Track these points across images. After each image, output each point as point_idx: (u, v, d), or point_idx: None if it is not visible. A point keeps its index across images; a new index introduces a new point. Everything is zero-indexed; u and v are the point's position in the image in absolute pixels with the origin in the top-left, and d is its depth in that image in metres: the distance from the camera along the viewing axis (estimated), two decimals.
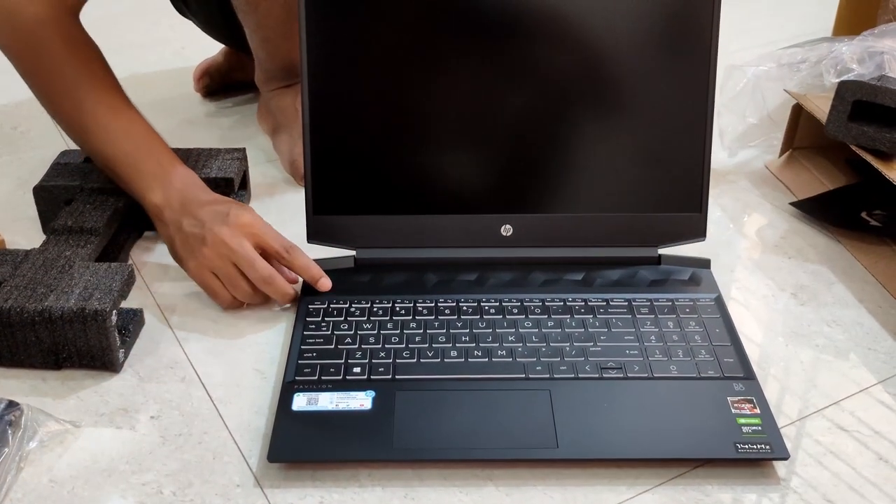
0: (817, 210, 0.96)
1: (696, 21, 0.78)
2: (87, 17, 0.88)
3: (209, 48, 1.27)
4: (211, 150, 0.96)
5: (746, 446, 0.64)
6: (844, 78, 0.91)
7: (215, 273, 0.79)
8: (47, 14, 0.83)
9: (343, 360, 0.72)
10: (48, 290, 0.73)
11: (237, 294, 0.79)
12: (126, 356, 0.76)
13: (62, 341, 0.73)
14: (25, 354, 0.73)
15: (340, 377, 0.70)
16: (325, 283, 0.79)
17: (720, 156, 1.05)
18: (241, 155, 0.96)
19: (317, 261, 0.82)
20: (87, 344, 0.72)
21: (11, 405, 0.67)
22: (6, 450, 0.64)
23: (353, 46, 0.78)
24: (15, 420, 0.66)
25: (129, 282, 0.75)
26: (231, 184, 0.92)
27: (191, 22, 1.23)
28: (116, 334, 0.73)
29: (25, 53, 0.85)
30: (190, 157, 0.94)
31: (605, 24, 0.78)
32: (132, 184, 0.84)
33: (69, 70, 0.83)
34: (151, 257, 0.90)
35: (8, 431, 0.65)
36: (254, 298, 0.80)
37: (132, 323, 0.78)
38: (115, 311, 0.72)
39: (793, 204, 0.98)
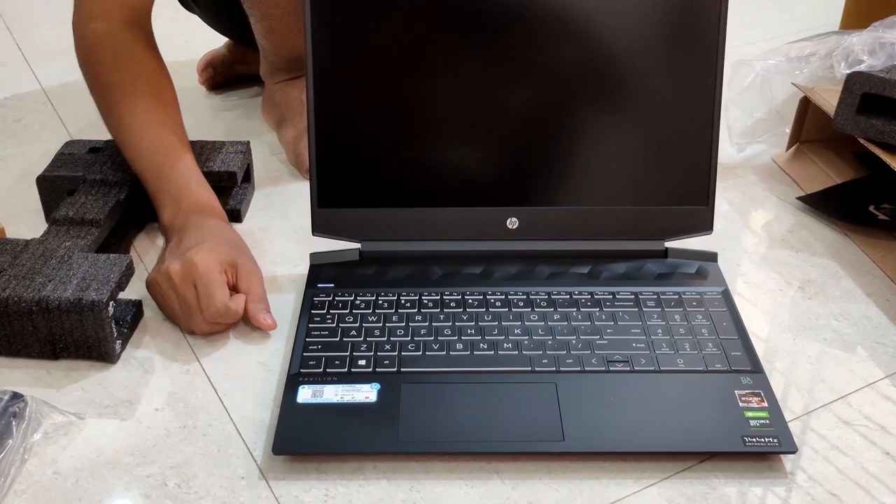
0: (824, 204, 0.95)
1: (704, 13, 0.77)
2: None
3: (212, 42, 1.27)
4: (215, 143, 0.96)
5: (754, 440, 0.64)
6: (855, 69, 0.91)
7: (162, 295, 0.77)
8: (103, 30, 0.88)
9: (348, 353, 0.71)
10: (46, 279, 0.73)
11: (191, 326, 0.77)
12: (123, 347, 0.75)
13: (59, 331, 0.72)
14: (22, 344, 0.73)
15: (345, 370, 0.70)
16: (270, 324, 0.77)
17: (728, 150, 1.05)
18: (244, 148, 0.95)
19: (322, 253, 0.82)
20: (83, 334, 0.72)
21: (16, 397, 0.67)
22: (10, 441, 0.64)
23: (358, 40, 0.78)
24: (19, 412, 0.66)
25: (127, 273, 0.75)
26: (234, 177, 0.92)
27: (194, 15, 1.23)
28: (113, 325, 0.73)
29: (88, 69, 0.89)
30: (193, 151, 0.94)
31: (612, 17, 0.77)
32: (153, 201, 0.86)
33: (115, 86, 0.87)
34: (155, 249, 0.90)
35: (12, 423, 0.65)
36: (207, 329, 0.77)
37: (130, 314, 0.78)
38: (111, 303, 0.72)
39: (799, 198, 0.97)
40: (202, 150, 0.94)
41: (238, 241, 0.82)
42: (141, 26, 0.91)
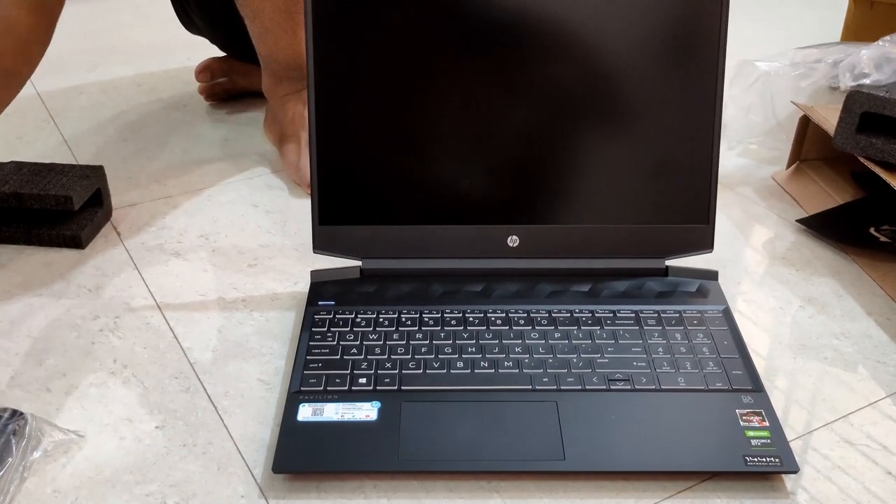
0: (824, 227, 0.95)
1: (704, 31, 0.78)
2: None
3: (217, 54, 1.28)
4: (64, 165, 0.96)
5: (756, 459, 0.64)
6: (860, 82, 0.91)
7: None
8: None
9: (349, 371, 0.71)
10: None
11: None
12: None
13: None
14: None
15: (346, 388, 0.70)
16: None
17: (724, 158, 1.04)
18: (92, 172, 0.94)
19: (323, 271, 0.82)
20: None
21: (15, 414, 0.67)
22: (10, 460, 0.64)
23: (360, 57, 0.78)
24: (19, 429, 0.66)
25: None
26: (69, 202, 0.90)
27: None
28: None
29: None
30: (41, 173, 0.94)
31: (612, 35, 0.78)
32: None
33: None
34: (157, 268, 0.90)
35: (12, 441, 0.65)
36: None
37: None
38: None
39: (799, 221, 0.97)
40: (49, 172, 0.94)
41: None
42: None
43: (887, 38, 1.00)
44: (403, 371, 0.71)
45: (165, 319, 0.82)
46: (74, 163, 1.05)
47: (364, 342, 0.74)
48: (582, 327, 0.76)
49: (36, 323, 0.81)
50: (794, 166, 1.06)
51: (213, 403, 0.72)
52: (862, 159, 0.90)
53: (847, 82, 0.95)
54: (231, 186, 1.06)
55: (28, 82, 0.89)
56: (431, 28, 0.78)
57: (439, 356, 0.73)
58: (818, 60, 1.03)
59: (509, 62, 0.78)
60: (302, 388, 0.70)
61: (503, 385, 0.70)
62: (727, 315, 0.78)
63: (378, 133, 0.79)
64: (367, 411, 0.68)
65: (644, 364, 0.72)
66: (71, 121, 1.22)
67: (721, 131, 0.79)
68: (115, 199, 1.01)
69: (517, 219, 0.81)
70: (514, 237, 0.81)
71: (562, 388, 0.70)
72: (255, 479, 0.65)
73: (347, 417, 0.67)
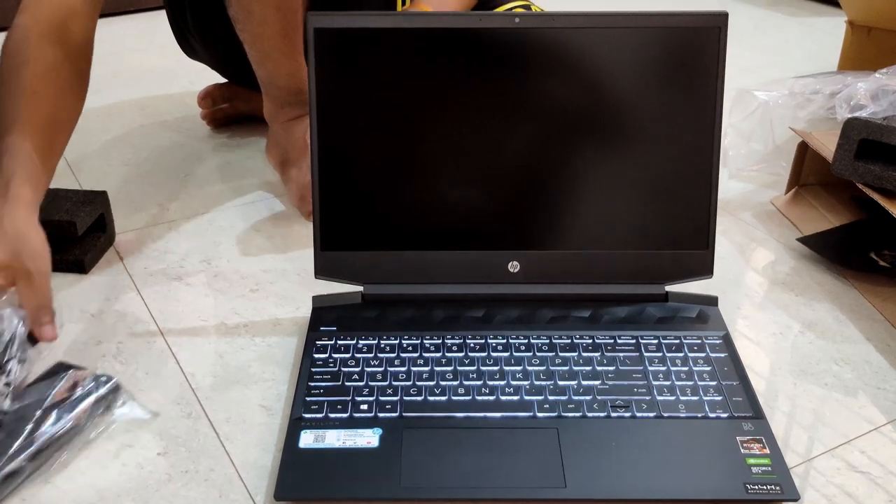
0: (825, 248, 0.96)
1: (703, 58, 0.78)
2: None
3: (217, 81, 1.29)
4: (68, 191, 0.96)
5: (756, 487, 0.64)
6: (856, 114, 0.92)
7: None
8: (23, 27, 0.83)
9: (350, 397, 0.72)
10: None
11: None
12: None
13: None
14: None
15: (347, 414, 0.70)
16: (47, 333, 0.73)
17: (724, 184, 1.05)
18: (95, 197, 0.95)
19: (325, 296, 0.82)
20: None
21: (109, 381, 0.73)
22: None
23: (362, 84, 0.79)
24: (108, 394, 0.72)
25: None
26: (73, 227, 0.91)
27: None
28: None
29: None
30: (47, 197, 0.93)
31: (611, 62, 0.79)
32: None
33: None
34: (159, 293, 0.90)
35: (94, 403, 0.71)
36: None
37: None
38: None
39: (800, 240, 0.97)
40: (53, 197, 0.94)
41: (21, 236, 0.75)
42: (66, 29, 0.85)
43: (884, 70, 1.01)
44: (405, 398, 0.71)
45: (168, 345, 0.82)
46: (78, 188, 1.06)
47: (365, 368, 0.74)
48: (582, 354, 0.76)
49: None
50: (793, 191, 1.06)
51: (214, 429, 0.72)
52: (860, 186, 0.90)
53: (844, 114, 0.96)
54: (233, 211, 1.06)
55: None
56: (432, 56, 0.78)
57: (440, 383, 0.73)
58: (816, 91, 1.04)
59: (509, 89, 0.79)
60: (304, 415, 0.70)
61: (504, 412, 0.70)
62: (727, 341, 0.78)
63: (379, 159, 0.80)
64: (368, 438, 0.68)
65: (644, 391, 0.72)
66: (74, 145, 1.22)
67: (720, 158, 0.80)
68: (118, 224, 1.01)
69: (518, 245, 0.81)
70: (515, 263, 0.81)
71: (562, 415, 0.70)
72: None
73: (349, 444, 0.67)
